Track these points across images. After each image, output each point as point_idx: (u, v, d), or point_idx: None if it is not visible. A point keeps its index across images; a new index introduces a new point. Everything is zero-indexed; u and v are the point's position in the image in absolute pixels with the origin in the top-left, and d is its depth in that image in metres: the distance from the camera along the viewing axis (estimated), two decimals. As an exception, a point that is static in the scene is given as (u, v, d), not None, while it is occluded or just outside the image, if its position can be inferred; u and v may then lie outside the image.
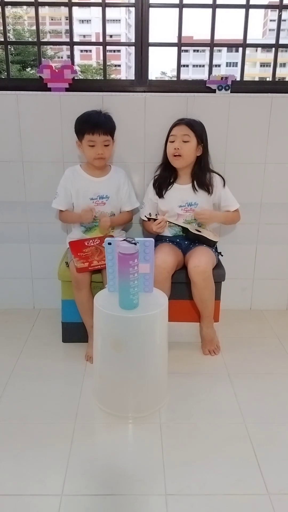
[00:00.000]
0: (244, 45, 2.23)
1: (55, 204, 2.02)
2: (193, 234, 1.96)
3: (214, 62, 2.32)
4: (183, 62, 2.56)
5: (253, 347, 2.07)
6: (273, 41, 2.29)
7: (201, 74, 38.89)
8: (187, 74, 39.30)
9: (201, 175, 1.98)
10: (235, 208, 2.04)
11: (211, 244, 2.01)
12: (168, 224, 1.99)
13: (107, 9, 2.17)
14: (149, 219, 1.98)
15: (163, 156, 2.03)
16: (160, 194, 2.01)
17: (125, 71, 35.49)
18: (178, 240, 2.03)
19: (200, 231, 1.98)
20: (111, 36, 34.16)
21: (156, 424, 1.55)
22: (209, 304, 1.92)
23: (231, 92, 2.16)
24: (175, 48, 2.25)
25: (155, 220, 1.94)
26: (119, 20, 40.65)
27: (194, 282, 1.85)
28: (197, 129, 1.91)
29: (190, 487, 1.29)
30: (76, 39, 2.77)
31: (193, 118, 1.97)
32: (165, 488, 1.28)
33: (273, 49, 2.25)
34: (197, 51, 39.84)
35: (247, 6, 2.16)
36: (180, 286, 1.94)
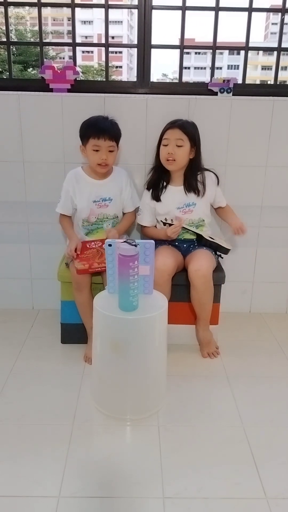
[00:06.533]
0: (246, 48, 2.23)
1: (58, 209, 2.00)
2: (207, 240, 1.95)
3: (216, 64, 2.33)
4: (184, 64, 2.56)
5: (252, 350, 2.07)
6: (274, 44, 2.30)
7: (202, 76, 38.99)
8: (189, 76, 39.41)
9: (191, 178, 1.96)
10: (225, 204, 2.08)
11: (224, 251, 2.00)
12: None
13: (110, 11, 2.18)
14: (164, 223, 1.96)
15: (155, 159, 2.02)
16: (157, 198, 1.99)
17: (127, 72, 35.56)
18: (177, 242, 2.03)
19: (213, 238, 1.97)
20: (113, 37, 34.31)
21: (154, 426, 1.55)
22: (207, 308, 1.91)
23: (233, 95, 2.17)
24: (177, 50, 2.25)
25: (170, 225, 1.92)
26: (121, 22, 40.77)
27: (194, 286, 1.85)
28: (190, 132, 1.90)
29: (188, 490, 1.28)
30: (78, 40, 2.77)
31: (185, 119, 1.95)
32: (163, 491, 1.28)
33: (275, 52, 2.26)
34: (199, 53, 39.98)
35: (250, 10, 2.17)
36: (179, 289, 1.94)
